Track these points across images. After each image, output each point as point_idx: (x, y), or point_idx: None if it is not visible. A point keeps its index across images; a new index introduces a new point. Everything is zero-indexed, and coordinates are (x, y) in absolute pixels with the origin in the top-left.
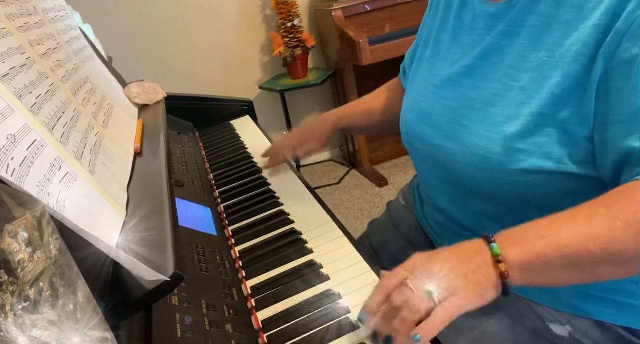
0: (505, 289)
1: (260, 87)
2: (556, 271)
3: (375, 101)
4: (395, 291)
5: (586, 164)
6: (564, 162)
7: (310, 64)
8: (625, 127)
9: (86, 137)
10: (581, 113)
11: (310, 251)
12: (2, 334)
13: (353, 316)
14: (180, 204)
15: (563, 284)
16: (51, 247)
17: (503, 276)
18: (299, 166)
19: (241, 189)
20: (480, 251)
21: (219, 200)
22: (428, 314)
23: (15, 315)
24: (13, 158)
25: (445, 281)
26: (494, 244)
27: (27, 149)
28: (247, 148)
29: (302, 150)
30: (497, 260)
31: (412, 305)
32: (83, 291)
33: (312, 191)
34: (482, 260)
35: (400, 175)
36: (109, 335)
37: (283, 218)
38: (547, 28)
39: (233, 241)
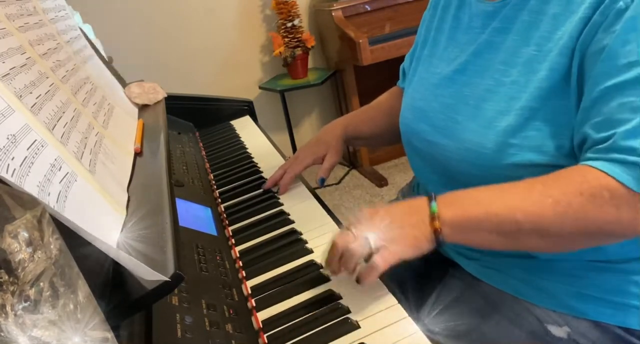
0: (439, 243)
1: (260, 87)
2: (484, 234)
3: (377, 107)
4: (339, 235)
5: (576, 157)
6: (554, 155)
7: (310, 64)
8: (585, 114)
9: (86, 137)
10: (567, 105)
11: (310, 251)
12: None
13: (353, 316)
14: (180, 204)
15: (494, 247)
16: (51, 247)
17: (436, 232)
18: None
19: (241, 189)
20: (421, 208)
21: (219, 200)
22: (367, 259)
23: (15, 315)
24: (13, 158)
25: (384, 231)
26: (433, 203)
27: (27, 149)
28: (247, 148)
29: (323, 170)
30: (433, 217)
31: (351, 249)
32: (83, 290)
33: (312, 191)
34: (421, 217)
35: (400, 175)
36: (109, 335)
37: (283, 218)
38: (537, 23)
39: (233, 241)
